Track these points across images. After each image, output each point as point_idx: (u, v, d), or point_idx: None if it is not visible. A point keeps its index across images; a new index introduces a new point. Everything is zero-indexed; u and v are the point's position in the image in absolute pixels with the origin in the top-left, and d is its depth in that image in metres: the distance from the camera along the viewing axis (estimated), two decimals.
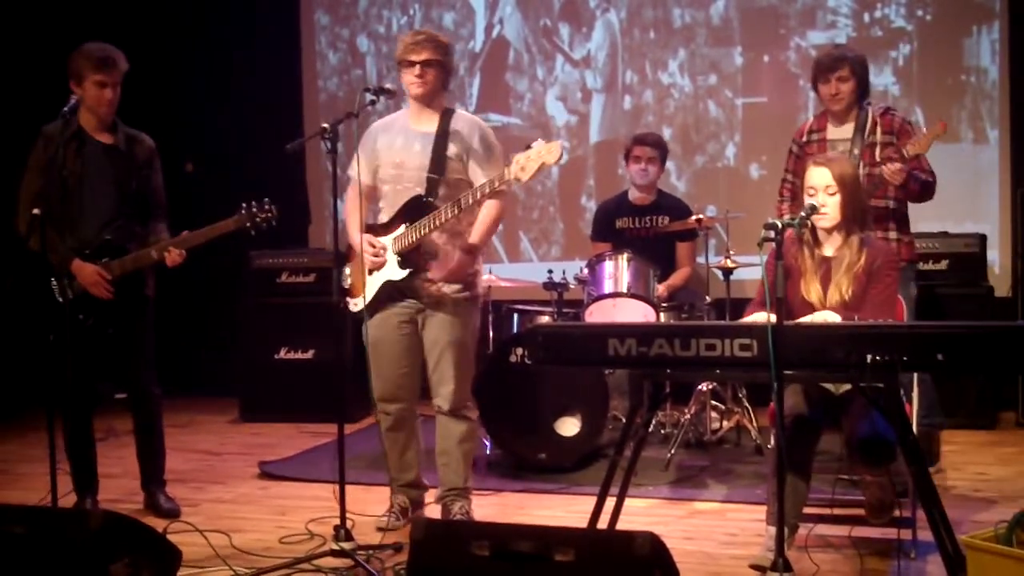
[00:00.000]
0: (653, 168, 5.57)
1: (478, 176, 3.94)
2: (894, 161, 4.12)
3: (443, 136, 3.95)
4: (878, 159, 4.29)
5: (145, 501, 4.50)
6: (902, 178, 4.14)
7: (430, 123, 3.99)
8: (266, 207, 4.14)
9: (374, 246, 3.95)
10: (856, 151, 4.35)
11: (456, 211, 3.78)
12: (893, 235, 4.40)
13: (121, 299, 4.22)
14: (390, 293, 3.97)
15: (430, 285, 3.95)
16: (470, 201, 3.77)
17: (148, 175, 4.35)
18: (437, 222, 3.82)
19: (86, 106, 4.17)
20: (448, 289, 3.96)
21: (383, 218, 4.05)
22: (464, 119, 4.04)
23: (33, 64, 6.63)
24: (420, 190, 3.92)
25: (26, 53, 6.78)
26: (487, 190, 3.75)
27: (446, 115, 4.01)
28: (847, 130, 4.44)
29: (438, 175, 3.92)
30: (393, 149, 3.99)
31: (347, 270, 4.11)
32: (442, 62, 3.95)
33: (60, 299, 4.16)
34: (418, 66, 3.89)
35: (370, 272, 3.99)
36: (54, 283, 4.15)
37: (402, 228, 3.92)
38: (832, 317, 3.33)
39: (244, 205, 4.15)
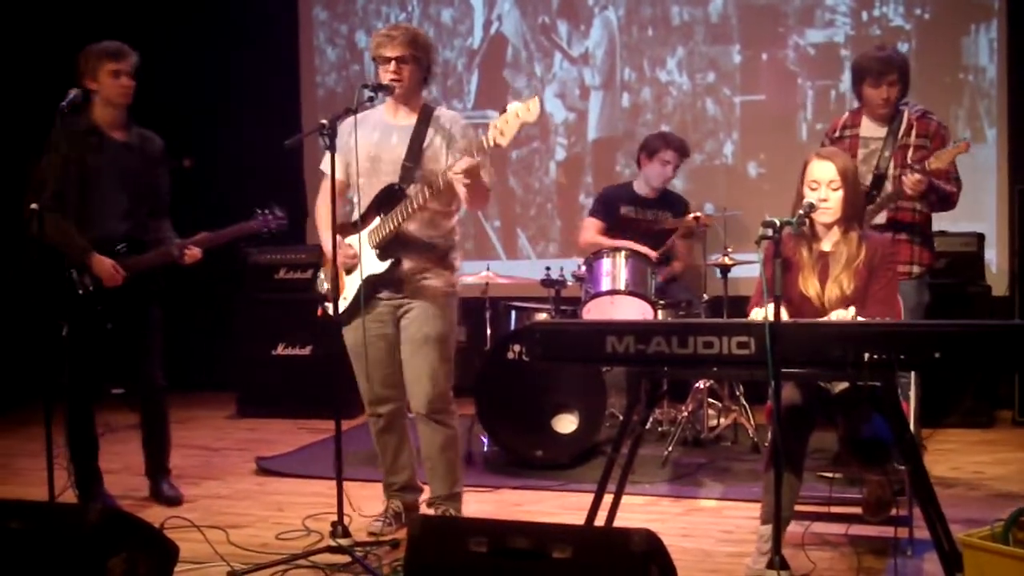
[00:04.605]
0: (672, 171, 5.62)
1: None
2: (915, 172, 4.06)
3: (422, 128, 3.84)
4: (909, 161, 4.25)
5: (150, 489, 4.55)
6: (921, 189, 4.09)
7: (408, 118, 3.89)
8: (279, 214, 4.49)
9: (347, 247, 3.83)
10: (887, 152, 4.31)
11: (429, 192, 3.66)
12: (917, 240, 4.36)
13: (133, 294, 4.27)
14: (371, 289, 3.86)
15: (410, 276, 3.84)
16: (443, 180, 3.64)
17: (158, 173, 4.41)
18: (412, 208, 3.71)
19: (103, 100, 4.18)
20: (427, 281, 3.87)
21: (358, 214, 3.90)
22: (445, 113, 3.94)
23: (34, 62, 6.63)
24: (394, 180, 3.83)
25: (25, 52, 6.77)
26: (465, 165, 3.57)
27: (425, 111, 3.90)
28: (881, 129, 4.39)
29: (412, 164, 3.81)
30: (368, 143, 3.84)
31: (321, 275, 4.02)
32: (418, 57, 3.83)
33: (80, 291, 4.17)
34: (393, 62, 3.78)
35: (347, 273, 3.89)
36: (75, 275, 4.17)
37: (377, 220, 3.83)
38: (847, 316, 3.31)
39: (259, 211, 4.46)
